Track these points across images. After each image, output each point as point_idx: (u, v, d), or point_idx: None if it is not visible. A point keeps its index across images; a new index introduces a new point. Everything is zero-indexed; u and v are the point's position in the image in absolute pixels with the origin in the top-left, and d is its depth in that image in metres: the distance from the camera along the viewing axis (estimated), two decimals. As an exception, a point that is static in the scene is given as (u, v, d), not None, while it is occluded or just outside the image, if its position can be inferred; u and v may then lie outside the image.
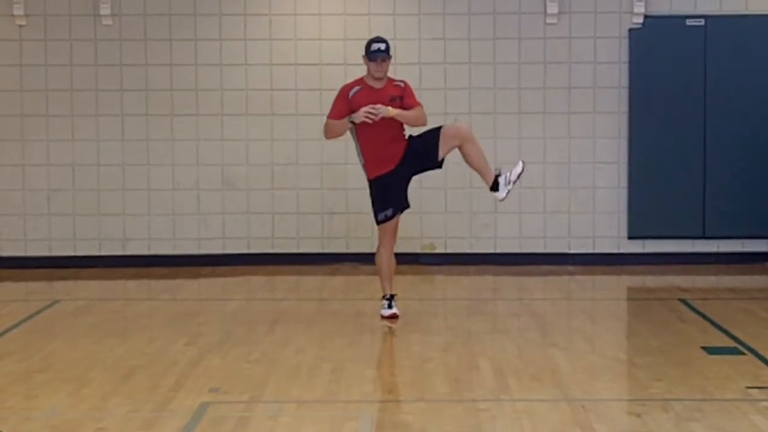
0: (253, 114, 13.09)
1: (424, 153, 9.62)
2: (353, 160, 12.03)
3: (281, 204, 13.11)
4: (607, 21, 12.95)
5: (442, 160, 9.68)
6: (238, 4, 13.01)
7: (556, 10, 12.87)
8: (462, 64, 12.96)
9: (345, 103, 9.58)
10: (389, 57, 9.70)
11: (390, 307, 9.75)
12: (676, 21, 12.88)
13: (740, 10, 12.90)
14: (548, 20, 12.93)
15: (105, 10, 12.89)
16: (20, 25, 12.99)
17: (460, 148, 9.62)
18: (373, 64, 9.65)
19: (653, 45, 12.88)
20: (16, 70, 13.04)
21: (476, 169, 9.72)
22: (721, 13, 12.90)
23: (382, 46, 9.65)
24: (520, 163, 9.64)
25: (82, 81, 13.03)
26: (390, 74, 9.77)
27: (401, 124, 9.64)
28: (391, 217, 9.68)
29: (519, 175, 9.59)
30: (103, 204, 13.13)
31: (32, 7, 12.96)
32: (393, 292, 9.81)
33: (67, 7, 12.97)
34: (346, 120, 9.59)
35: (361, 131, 9.62)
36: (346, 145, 12.54)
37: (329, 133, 9.81)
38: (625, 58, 12.95)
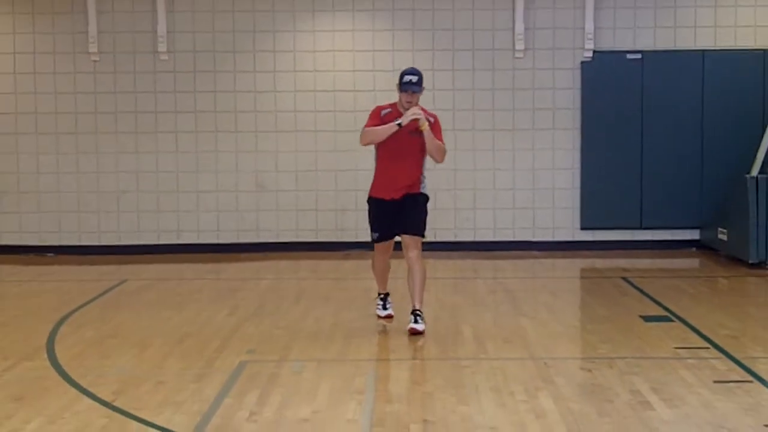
0: (281, 131, 13.08)
1: (410, 217, 8.07)
2: (361, 167, 12.07)
3: (304, 202, 13.10)
4: (564, 55, 12.94)
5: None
6: (268, 43, 13.00)
7: (522, 47, 12.86)
8: (447, 90, 12.95)
9: (378, 120, 7.96)
10: (421, 90, 7.92)
11: (385, 308, 8.36)
12: (618, 55, 12.87)
13: (670, 46, 12.90)
14: (516, 55, 12.92)
15: (162, 47, 12.89)
16: (95, 61, 12.99)
17: (408, 262, 8.13)
18: (404, 95, 7.91)
19: (600, 74, 12.87)
20: (91, 97, 13.04)
21: (410, 288, 8.15)
22: (655, 48, 12.89)
23: (414, 79, 7.89)
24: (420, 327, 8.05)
25: (144, 105, 13.03)
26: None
27: (421, 159, 8.04)
28: (380, 240, 8.23)
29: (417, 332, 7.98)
30: (161, 203, 13.13)
31: (104, 46, 12.96)
32: (386, 291, 8.47)
33: (132, 46, 12.98)
34: (391, 125, 7.84)
35: (382, 148, 8.04)
36: (356, 156, 12.58)
37: (367, 138, 7.93)
38: (578, 85, 12.94)
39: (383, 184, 8.12)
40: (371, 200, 8.27)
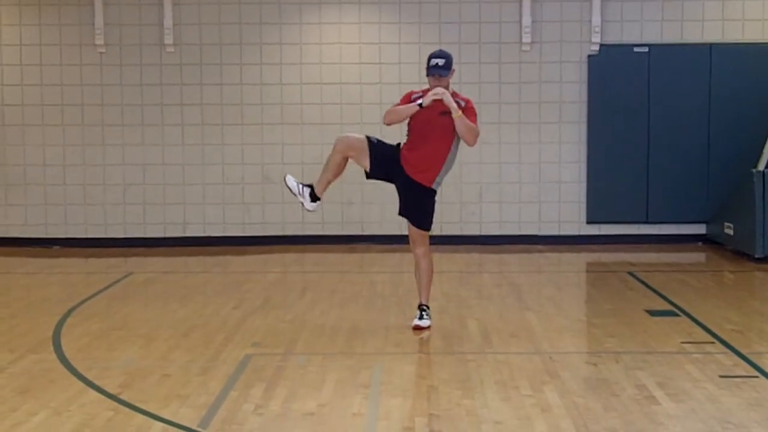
0: (287, 123, 13.08)
1: (411, 204, 7.94)
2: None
3: (309, 195, 13.09)
4: (571, 48, 12.92)
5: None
6: (275, 35, 13.00)
7: (529, 40, 12.84)
8: (453, 84, 12.86)
9: (407, 103, 7.72)
10: (448, 73, 7.65)
11: (301, 193, 8.45)
12: (625, 48, 12.84)
13: (677, 39, 12.86)
14: (523, 48, 12.90)
15: (168, 40, 12.89)
16: (101, 53, 13.00)
17: (415, 257, 8.08)
18: (431, 79, 7.65)
19: (607, 68, 12.85)
20: (98, 89, 13.05)
21: (417, 282, 8.10)
22: (661, 42, 12.86)
23: (441, 62, 7.63)
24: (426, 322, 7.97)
25: (151, 97, 13.04)
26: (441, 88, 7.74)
27: (447, 143, 7.74)
28: (372, 144, 7.79)
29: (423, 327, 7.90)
30: (167, 195, 13.14)
31: (110, 38, 12.97)
32: (319, 196, 8.40)
33: (138, 38, 12.98)
34: (411, 105, 7.61)
35: (412, 127, 7.78)
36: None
37: (387, 117, 7.69)
38: (584, 78, 12.92)
39: (406, 157, 7.78)
40: (399, 149, 7.84)
